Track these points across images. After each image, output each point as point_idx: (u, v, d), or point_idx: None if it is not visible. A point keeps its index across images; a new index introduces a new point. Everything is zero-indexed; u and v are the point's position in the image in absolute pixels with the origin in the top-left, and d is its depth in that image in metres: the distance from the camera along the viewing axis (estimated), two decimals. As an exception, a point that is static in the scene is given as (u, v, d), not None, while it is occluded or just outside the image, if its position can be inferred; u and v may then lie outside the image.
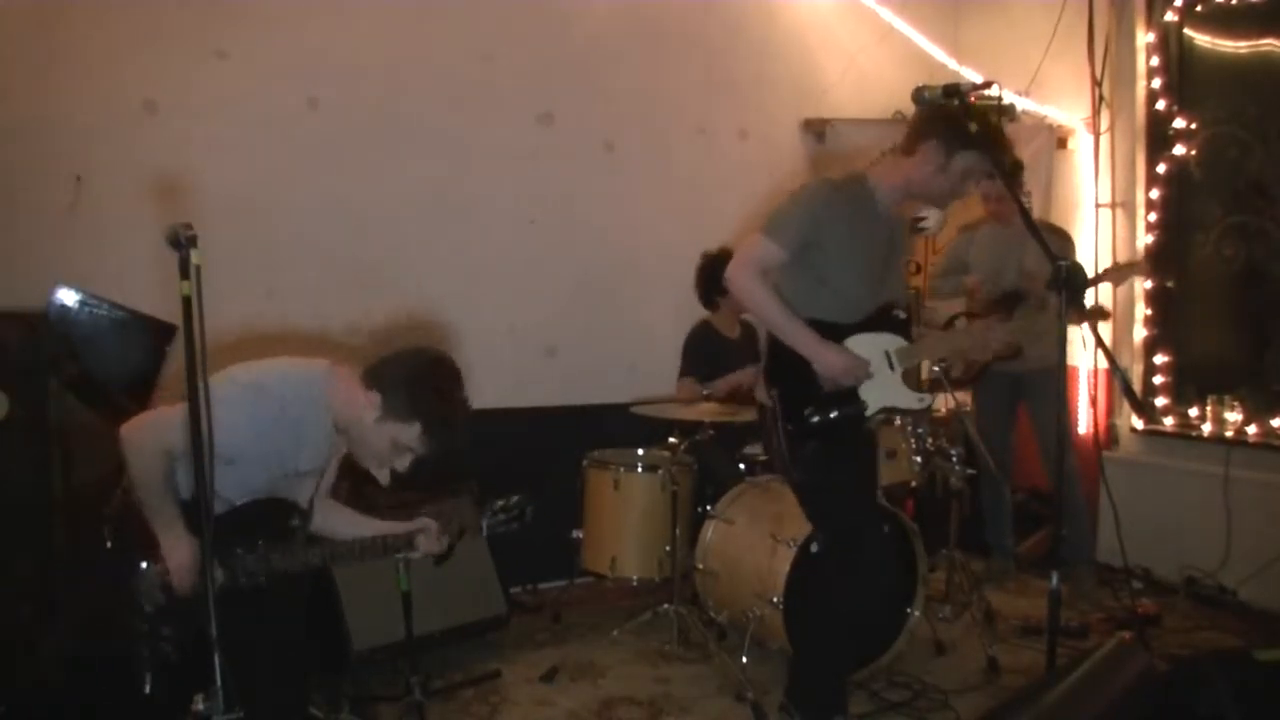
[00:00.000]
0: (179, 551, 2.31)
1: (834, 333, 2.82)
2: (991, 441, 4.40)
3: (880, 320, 2.91)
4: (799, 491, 3.02)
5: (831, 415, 2.82)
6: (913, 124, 2.87)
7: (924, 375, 3.98)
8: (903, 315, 2.95)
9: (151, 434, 2.29)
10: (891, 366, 2.91)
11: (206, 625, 1.92)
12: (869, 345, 2.87)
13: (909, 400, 2.95)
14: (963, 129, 2.68)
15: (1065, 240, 4.46)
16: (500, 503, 2.91)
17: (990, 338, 3.32)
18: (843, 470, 2.89)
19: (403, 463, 2.44)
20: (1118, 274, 4.38)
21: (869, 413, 2.86)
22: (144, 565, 2.34)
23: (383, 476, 2.48)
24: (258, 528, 2.43)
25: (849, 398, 2.83)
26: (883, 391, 2.88)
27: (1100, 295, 4.89)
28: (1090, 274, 4.50)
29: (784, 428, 2.81)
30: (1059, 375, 2.51)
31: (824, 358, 2.77)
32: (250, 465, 2.34)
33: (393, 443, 2.40)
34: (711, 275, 4.43)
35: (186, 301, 1.96)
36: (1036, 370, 4.28)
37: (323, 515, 2.66)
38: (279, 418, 2.32)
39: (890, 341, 2.92)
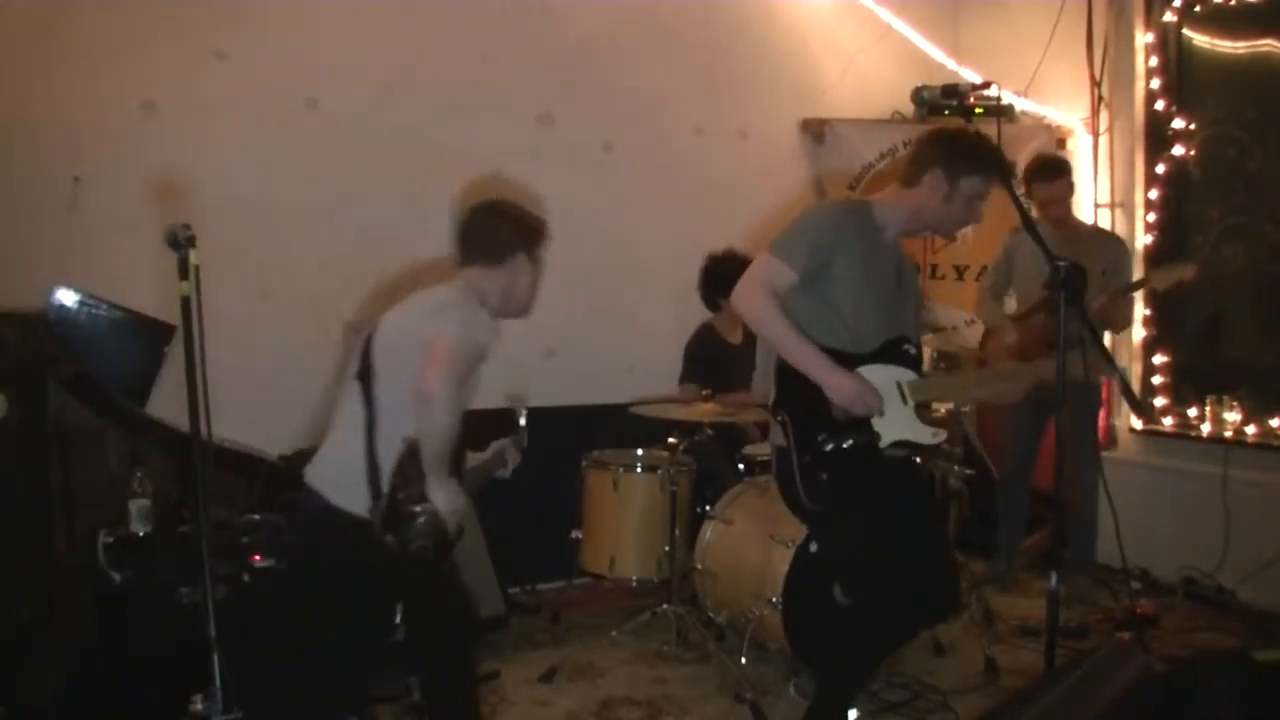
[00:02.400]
0: (454, 494, 2.54)
1: (844, 362, 2.70)
2: (1016, 445, 4.38)
3: (890, 353, 2.79)
4: (816, 532, 2.94)
5: (845, 444, 2.68)
6: (912, 155, 2.81)
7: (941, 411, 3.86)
8: (913, 350, 2.84)
9: (456, 374, 2.47)
10: (904, 399, 2.78)
11: (211, 617, 1.94)
12: (880, 376, 2.74)
13: (923, 435, 2.78)
14: (963, 153, 2.63)
15: (1119, 246, 4.39)
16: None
17: (1019, 379, 3.04)
18: (860, 508, 2.71)
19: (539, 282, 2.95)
20: (1164, 276, 4.16)
21: (883, 444, 2.72)
22: (418, 510, 2.52)
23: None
24: (453, 468, 2.64)
25: (862, 427, 2.70)
26: (896, 424, 2.74)
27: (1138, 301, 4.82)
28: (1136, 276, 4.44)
29: (797, 458, 2.68)
30: (1059, 381, 2.51)
31: (836, 382, 2.63)
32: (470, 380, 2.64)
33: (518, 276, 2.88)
34: (716, 277, 4.42)
35: (185, 301, 1.97)
36: (1072, 380, 4.15)
37: None
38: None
39: (901, 374, 2.78)
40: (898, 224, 2.80)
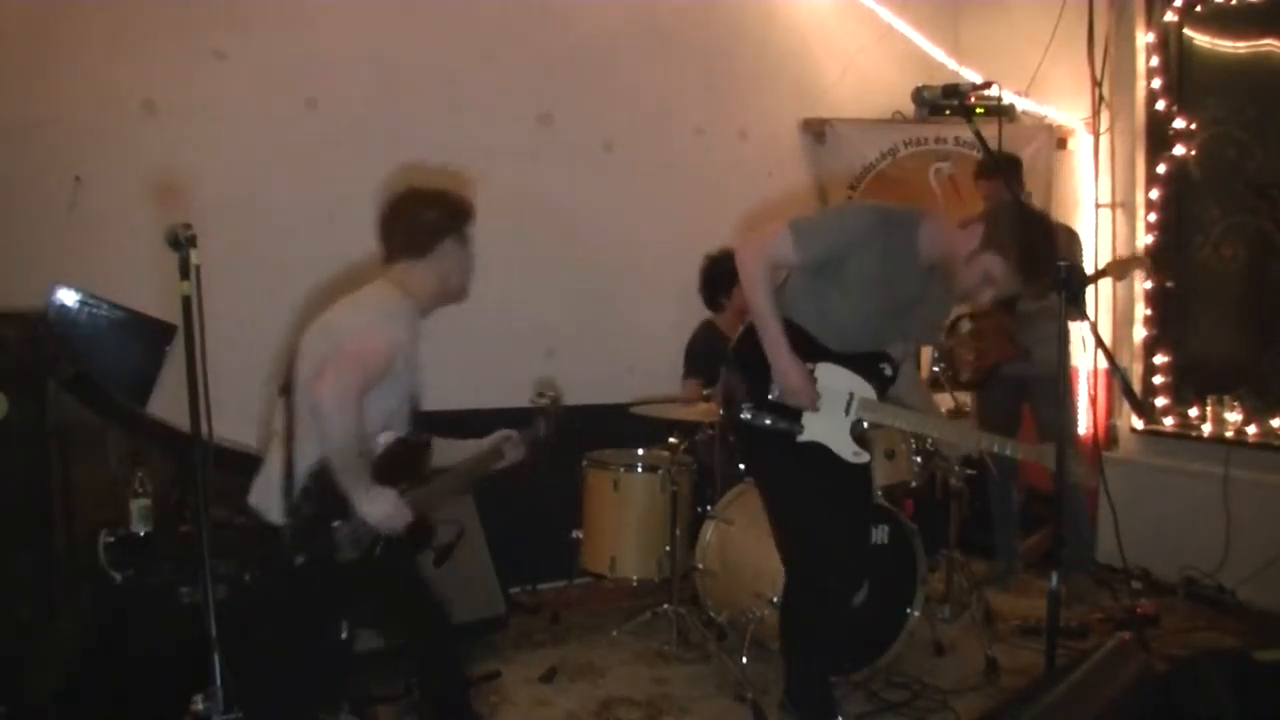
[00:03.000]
0: (381, 502, 2.44)
1: (814, 349, 2.75)
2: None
3: (863, 363, 2.81)
4: (759, 486, 3.05)
5: (765, 421, 2.76)
6: (988, 207, 2.80)
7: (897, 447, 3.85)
8: (889, 372, 2.84)
9: (353, 383, 2.38)
10: (847, 411, 2.81)
11: (211, 616, 1.94)
12: (837, 379, 2.79)
13: (844, 448, 2.81)
14: (1009, 234, 2.58)
15: (1072, 238, 4.42)
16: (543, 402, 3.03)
17: (964, 440, 3.03)
18: (802, 495, 2.82)
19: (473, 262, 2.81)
20: (1119, 268, 4.35)
21: (800, 438, 2.77)
22: (336, 525, 2.45)
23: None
24: (403, 467, 2.59)
25: (788, 415, 2.76)
26: (824, 427, 2.79)
27: (1101, 289, 4.89)
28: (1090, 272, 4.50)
29: (726, 412, 2.85)
30: (1060, 382, 2.50)
31: (782, 367, 2.70)
32: (399, 378, 2.52)
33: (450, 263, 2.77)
34: (714, 277, 4.43)
35: (186, 301, 1.97)
36: (1043, 374, 4.21)
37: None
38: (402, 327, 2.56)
39: (860, 386, 2.81)
40: (931, 254, 2.74)
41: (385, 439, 2.55)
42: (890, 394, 2.89)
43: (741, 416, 2.78)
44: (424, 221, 2.67)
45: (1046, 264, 2.52)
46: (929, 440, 3.80)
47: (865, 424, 2.86)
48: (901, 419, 2.91)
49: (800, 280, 2.78)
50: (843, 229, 2.71)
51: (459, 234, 2.73)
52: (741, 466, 3.71)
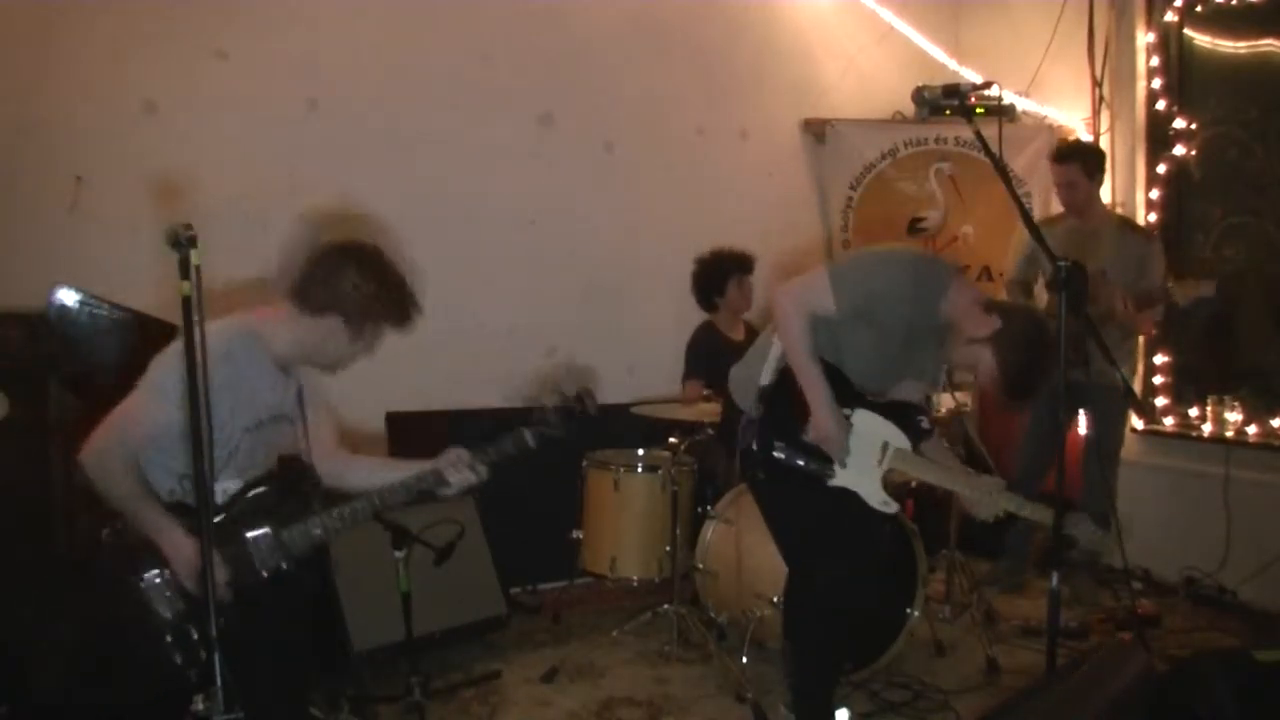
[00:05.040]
0: (184, 549, 2.24)
1: (846, 390, 2.75)
2: (1037, 447, 4.32)
3: (900, 413, 2.81)
4: (756, 495, 3.00)
5: (795, 463, 2.76)
6: (1015, 304, 2.78)
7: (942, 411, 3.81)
8: (926, 425, 2.84)
9: (109, 447, 2.27)
10: (880, 460, 2.78)
11: (207, 624, 1.93)
12: (874, 427, 2.78)
13: (875, 498, 2.79)
14: (1015, 349, 2.59)
15: (1144, 243, 4.23)
16: (550, 405, 2.65)
17: (992, 503, 2.80)
18: (803, 505, 2.83)
19: (356, 354, 2.47)
20: (1184, 291, 3.96)
21: (830, 483, 2.77)
22: (150, 576, 2.28)
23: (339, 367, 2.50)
24: (261, 511, 2.37)
25: (823, 457, 2.76)
26: (855, 476, 2.77)
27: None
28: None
29: (753, 449, 2.80)
30: (1060, 381, 2.49)
31: (820, 415, 2.70)
32: (218, 424, 2.22)
33: (350, 345, 2.43)
34: (706, 279, 4.45)
35: (186, 301, 1.96)
36: (1098, 383, 3.97)
37: (338, 471, 2.58)
38: (220, 366, 2.21)
39: (896, 437, 2.79)
40: (948, 316, 2.72)
41: (226, 487, 2.35)
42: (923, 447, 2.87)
43: (774, 455, 2.77)
44: (337, 282, 2.37)
45: (1029, 393, 2.64)
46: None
47: (895, 471, 2.83)
48: (933, 474, 2.86)
49: (842, 323, 2.74)
50: (882, 280, 2.70)
51: (357, 325, 2.41)
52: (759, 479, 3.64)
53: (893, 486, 2.84)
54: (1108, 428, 4.24)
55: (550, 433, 2.65)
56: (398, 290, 2.46)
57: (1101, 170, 4.25)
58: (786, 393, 2.76)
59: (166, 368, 2.25)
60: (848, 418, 2.76)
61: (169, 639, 2.28)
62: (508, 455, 2.60)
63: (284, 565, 2.36)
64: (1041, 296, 4.41)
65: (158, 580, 2.28)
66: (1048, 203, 5.17)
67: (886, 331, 2.72)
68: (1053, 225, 4.30)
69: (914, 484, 3.90)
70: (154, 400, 2.25)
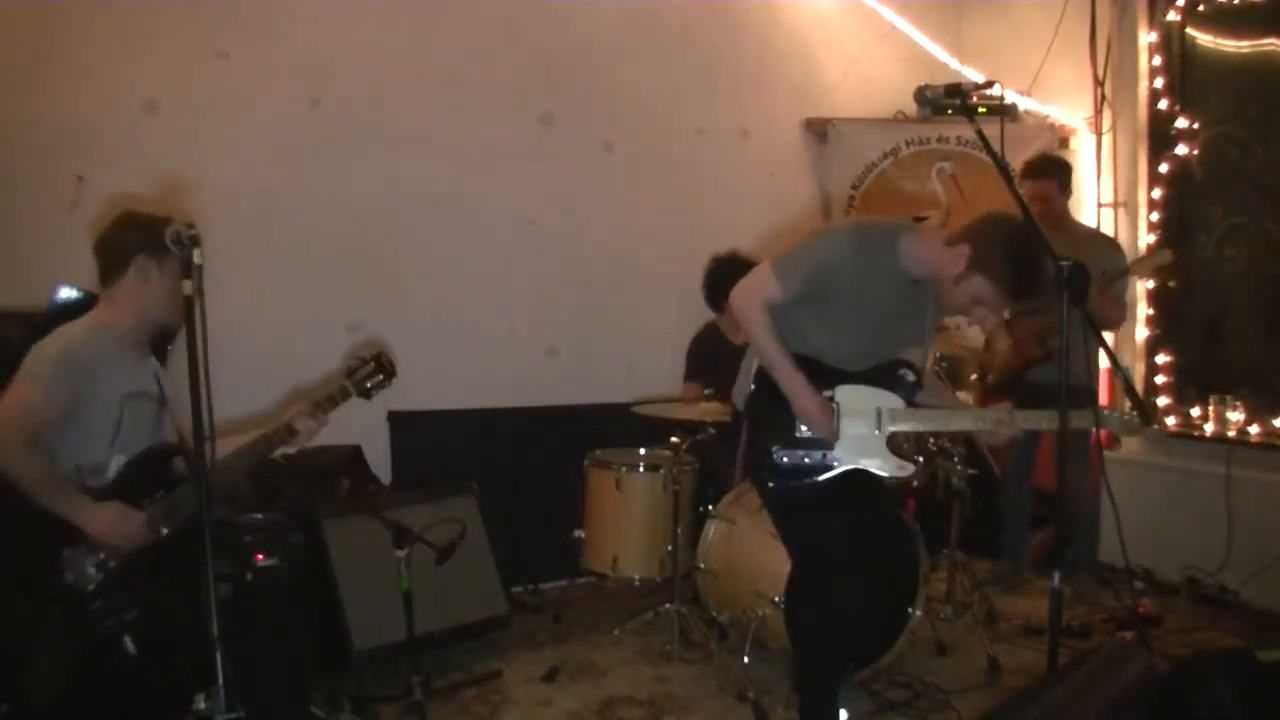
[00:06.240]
0: (99, 516, 2.41)
1: (827, 375, 2.74)
2: (1015, 446, 4.35)
3: (884, 375, 2.79)
4: (770, 508, 2.98)
5: (801, 460, 2.74)
6: (972, 219, 2.72)
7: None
8: (911, 377, 2.81)
9: (9, 436, 2.37)
10: (879, 426, 2.76)
11: (207, 622, 1.94)
12: (861, 398, 2.76)
13: (887, 466, 2.76)
14: (995, 255, 2.56)
15: (1114, 248, 4.40)
16: (355, 365, 2.88)
17: (1007, 425, 2.80)
18: (806, 508, 2.80)
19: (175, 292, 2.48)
20: (1143, 265, 4.36)
21: (837, 469, 2.74)
22: (66, 552, 2.41)
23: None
24: (150, 479, 2.55)
25: (822, 445, 2.74)
26: (860, 449, 2.74)
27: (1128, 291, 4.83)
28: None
29: (754, 461, 2.80)
30: (1062, 382, 2.49)
31: (800, 402, 2.69)
32: (100, 402, 2.48)
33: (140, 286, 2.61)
34: (719, 279, 4.43)
35: (188, 300, 1.97)
36: (1072, 383, 4.14)
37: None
38: (87, 350, 2.51)
39: (887, 400, 2.77)
40: (917, 266, 2.71)
41: (116, 463, 2.53)
42: (917, 398, 2.85)
43: (776, 460, 2.75)
44: (116, 244, 2.60)
45: (1036, 282, 2.52)
46: (931, 440, 3.80)
47: (900, 435, 2.80)
48: (936, 421, 2.87)
49: (799, 310, 2.75)
50: (821, 257, 2.71)
51: (151, 254, 2.55)
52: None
53: (902, 450, 2.83)
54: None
55: (369, 384, 2.86)
56: (152, 219, 2.57)
57: (1071, 184, 4.41)
58: (769, 395, 2.76)
59: (38, 353, 2.47)
60: (830, 399, 2.74)
61: (96, 605, 2.42)
62: (337, 404, 2.81)
63: (180, 523, 2.53)
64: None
65: (75, 555, 2.41)
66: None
67: (857, 305, 2.71)
68: None
69: (915, 482, 3.90)
70: (28, 384, 2.43)
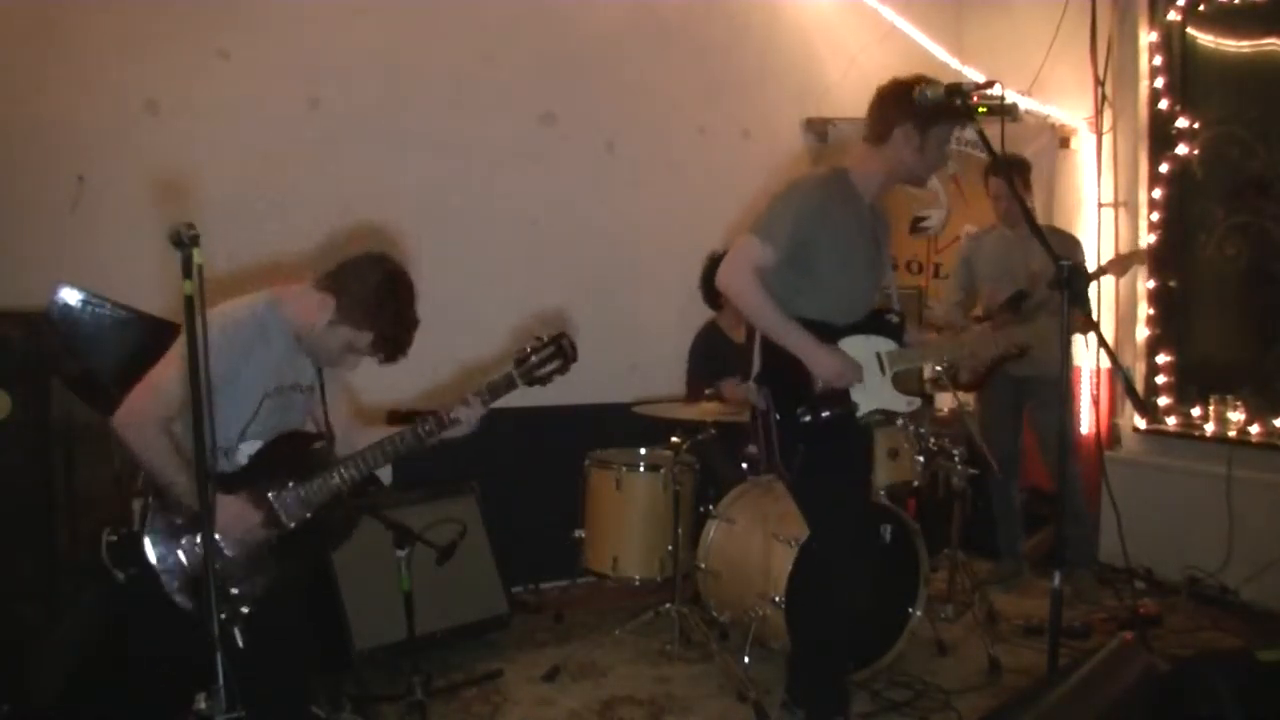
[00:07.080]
0: (222, 511, 2.30)
1: (826, 333, 2.82)
2: (998, 444, 4.36)
3: (873, 323, 2.93)
4: (794, 490, 3.02)
5: (824, 415, 2.82)
6: (877, 113, 2.90)
7: (926, 375, 3.99)
8: (895, 319, 2.96)
9: (144, 409, 2.32)
10: (882, 370, 2.92)
11: (213, 615, 1.95)
12: (861, 347, 2.88)
13: (898, 404, 2.95)
14: (928, 106, 2.67)
15: (1073, 244, 4.45)
16: (528, 349, 2.74)
17: (985, 345, 3.31)
18: (836, 469, 2.89)
19: (351, 365, 2.58)
20: (1119, 265, 4.43)
21: (860, 414, 2.87)
22: (187, 543, 2.36)
23: (349, 365, 2.60)
24: (282, 468, 2.47)
25: (841, 398, 2.84)
26: (873, 394, 2.89)
27: (1104, 288, 4.88)
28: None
29: (777, 427, 2.81)
30: (1063, 380, 2.50)
31: (819, 359, 2.76)
32: (243, 387, 2.40)
33: (346, 345, 2.51)
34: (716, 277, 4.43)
35: (189, 300, 1.97)
36: (1041, 374, 4.23)
37: (352, 439, 2.65)
38: (246, 332, 2.41)
39: (882, 344, 2.93)
40: (876, 186, 2.90)
41: (247, 449, 2.47)
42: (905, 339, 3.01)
43: (804, 420, 2.81)
44: (365, 281, 2.52)
45: (956, 95, 2.60)
46: (926, 431, 3.83)
47: (901, 372, 2.97)
48: (929, 354, 3.15)
49: (784, 280, 2.79)
50: (799, 203, 2.79)
51: (357, 321, 2.51)
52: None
53: (905, 387, 2.99)
54: (1053, 418, 4.29)
55: (540, 371, 2.75)
56: (405, 317, 2.57)
57: (1029, 180, 4.54)
58: (778, 365, 2.81)
59: (219, 319, 2.35)
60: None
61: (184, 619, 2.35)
62: (500, 393, 2.71)
63: (308, 515, 2.47)
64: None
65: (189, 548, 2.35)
66: (1050, 201, 5.18)
67: (840, 245, 2.80)
68: (981, 236, 4.65)
69: (915, 482, 3.89)
70: (183, 365, 2.27)
